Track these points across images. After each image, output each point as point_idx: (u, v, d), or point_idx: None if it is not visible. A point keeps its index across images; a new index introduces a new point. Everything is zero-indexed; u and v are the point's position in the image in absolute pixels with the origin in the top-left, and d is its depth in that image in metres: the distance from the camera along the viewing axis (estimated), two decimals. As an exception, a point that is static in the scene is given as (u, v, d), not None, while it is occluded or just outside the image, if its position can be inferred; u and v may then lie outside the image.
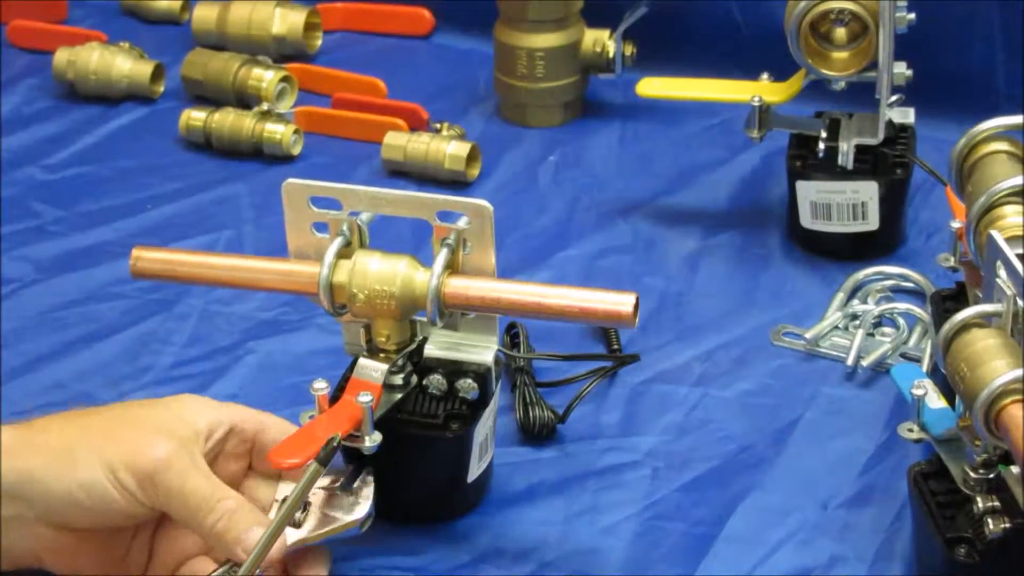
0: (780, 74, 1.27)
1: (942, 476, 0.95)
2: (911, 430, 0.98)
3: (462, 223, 0.97)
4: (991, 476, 0.93)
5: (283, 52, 1.55)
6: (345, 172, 1.40)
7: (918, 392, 0.97)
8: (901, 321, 1.19)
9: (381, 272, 0.97)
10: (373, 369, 0.99)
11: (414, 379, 1.01)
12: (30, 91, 1.53)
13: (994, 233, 0.93)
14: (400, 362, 0.99)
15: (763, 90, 1.27)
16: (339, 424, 0.95)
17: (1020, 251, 0.92)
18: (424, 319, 0.99)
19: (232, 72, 1.47)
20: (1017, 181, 0.99)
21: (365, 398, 0.95)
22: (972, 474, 0.93)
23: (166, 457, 0.93)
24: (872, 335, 1.18)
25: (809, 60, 1.23)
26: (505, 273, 1.26)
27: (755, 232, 1.31)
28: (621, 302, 0.96)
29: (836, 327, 1.20)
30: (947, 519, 0.94)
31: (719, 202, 1.35)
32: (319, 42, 1.57)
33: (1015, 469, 0.91)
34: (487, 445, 1.03)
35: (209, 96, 1.48)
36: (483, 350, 1.01)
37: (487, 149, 1.40)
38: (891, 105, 1.23)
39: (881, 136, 1.24)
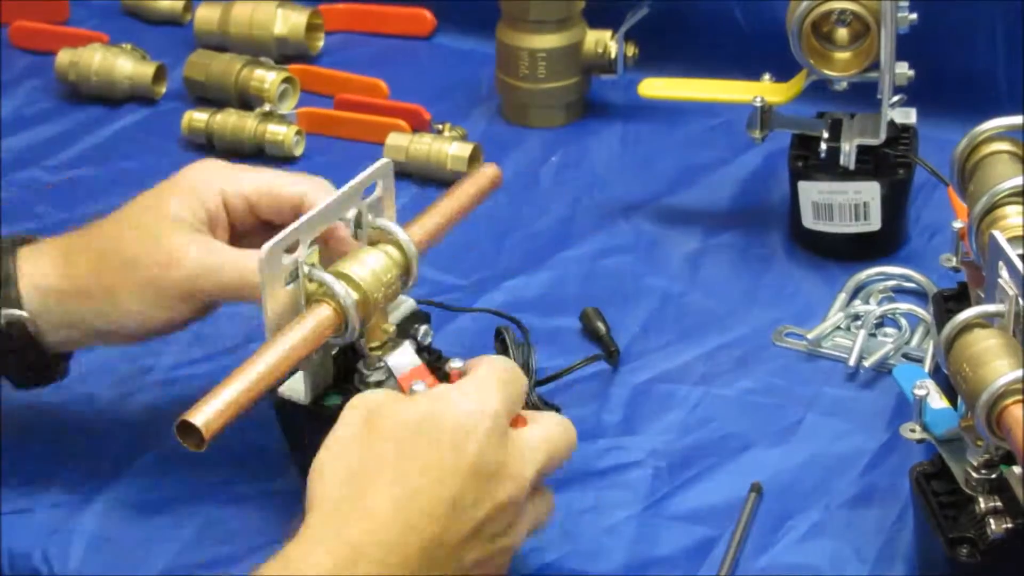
0: (782, 74, 1.27)
1: (944, 476, 0.95)
2: (913, 430, 0.98)
3: (377, 193, 1.01)
4: (993, 476, 0.93)
5: (285, 53, 1.55)
6: (347, 173, 1.38)
7: (920, 392, 0.97)
8: (903, 321, 1.19)
9: (380, 266, 0.98)
10: (404, 355, 1.00)
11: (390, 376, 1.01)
12: (32, 92, 1.53)
13: (996, 233, 0.93)
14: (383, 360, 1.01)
15: (765, 90, 1.27)
16: None
17: (1022, 251, 0.92)
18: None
19: (234, 73, 1.47)
20: (1019, 181, 0.99)
21: (419, 386, 0.96)
22: (974, 474, 0.93)
23: (193, 268, 0.98)
24: (874, 335, 1.18)
25: (811, 60, 1.23)
26: (507, 273, 1.27)
27: (757, 232, 1.31)
28: (488, 173, 1.05)
29: (838, 327, 1.20)
30: (949, 519, 0.94)
31: (721, 202, 1.35)
32: (321, 43, 1.57)
33: (1017, 469, 0.91)
34: None
35: (211, 97, 1.48)
36: (401, 305, 1.03)
37: (489, 150, 1.40)
38: (893, 105, 1.23)
39: (883, 136, 1.24)
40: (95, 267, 1.01)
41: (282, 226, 0.96)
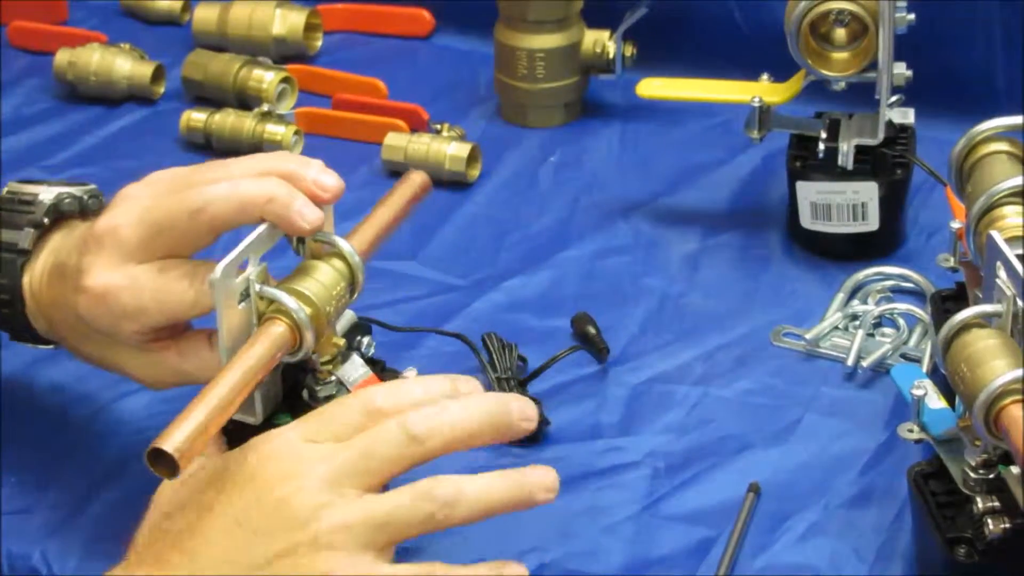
0: (780, 75, 1.27)
1: (942, 476, 0.95)
2: (911, 430, 0.98)
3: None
4: (991, 476, 0.93)
5: (283, 53, 1.55)
6: (345, 173, 1.38)
7: (918, 392, 0.97)
8: (901, 321, 1.19)
9: (328, 279, 0.97)
10: (355, 368, 1.00)
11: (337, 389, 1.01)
12: (30, 92, 1.53)
13: (994, 234, 0.93)
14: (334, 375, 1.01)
15: (763, 91, 1.27)
16: None
17: (1020, 251, 0.92)
18: None
19: (232, 73, 1.47)
20: (1017, 182, 1.00)
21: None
22: (972, 474, 0.93)
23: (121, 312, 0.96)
24: (872, 335, 1.18)
25: (809, 61, 1.23)
26: (506, 273, 1.27)
27: (755, 232, 1.31)
28: None
29: (836, 327, 1.20)
30: (947, 519, 0.94)
31: (719, 202, 1.35)
32: (319, 43, 1.57)
33: (1015, 469, 0.91)
34: None
35: (210, 97, 1.48)
36: (343, 318, 1.02)
37: (488, 150, 1.40)
38: (891, 105, 1.23)
39: (881, 136, 1.24)
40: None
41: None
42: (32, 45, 1.58)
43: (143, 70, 1.50)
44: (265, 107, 1.43)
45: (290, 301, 0.94)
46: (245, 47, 1.53)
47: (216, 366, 0.93)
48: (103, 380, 1.16)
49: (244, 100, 1.47)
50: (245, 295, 0.95)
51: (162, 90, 1.52)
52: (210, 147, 1.43)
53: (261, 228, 0.96)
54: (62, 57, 1.50)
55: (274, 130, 1.41)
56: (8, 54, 1.58)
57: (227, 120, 1.42)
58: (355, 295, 1.00)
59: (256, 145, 1.41)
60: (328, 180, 0.98)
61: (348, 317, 1.03)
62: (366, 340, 1.03)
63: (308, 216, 0.95)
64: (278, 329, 0.94)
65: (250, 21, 1.55)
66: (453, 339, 1.18)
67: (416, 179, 1.06)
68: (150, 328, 0.97)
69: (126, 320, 0.96)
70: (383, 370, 1.04)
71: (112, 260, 0.96)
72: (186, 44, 1.56)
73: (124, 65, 1.50)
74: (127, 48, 1.52)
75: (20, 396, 1.14)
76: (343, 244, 0.98)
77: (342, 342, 1.00)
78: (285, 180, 0.96)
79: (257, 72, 1.47)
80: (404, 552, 1.02)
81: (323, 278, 0.97)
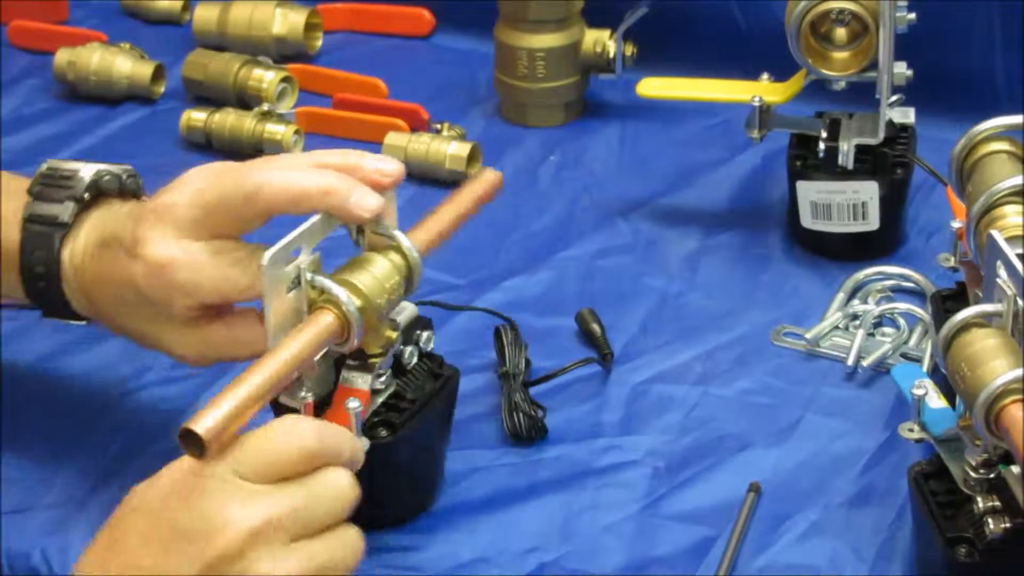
0: (780, 74, 1.27)
1: (942, 476, 0.95)
2: (911, 430, 0.98)
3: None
4: (991, 476, 0.93)
5: (284, 52, 1.55)
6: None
7: (918, 392, 0.97)
8: (901, 321, 1.19)
9: (383, 272, 0.97)
10: (358, 377, 1.00)
11: (392, 381, 1.01)
12: (30, 92, 1.53)
13: (994, 233, 0.93)
14: (383, 367, 1.00)
15: (763, 90, 1.27)
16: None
17: (1020, 251, 0.92)
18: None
19: (233, 73, 1.47)
20: (1017, 181, 1.00)
21: (353, 404, 0.95)
22: (972, 474, 0.93)
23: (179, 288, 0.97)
24: (872, 335, 1.18)
25: (809, 60, 1.23)
26: (506, 273, 1.27)
27: (755, 232, 1.31)
28: (491, 178, 1.04)
29: (836, 327, 1.20)
30: (947, 519, 0.94)
31: (719, 202, 1.35)
32: (319, 42, 1.57)
33: (1016, 469, 0.91)
34: None
35: (210, 96, 1.48)
36: (402, 311, 1.01)
37: (488, 149, 1.40)
38: (891, 105, 1.23)
39: (881, 136, 1.24)
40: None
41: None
42: (32, 45, 1.59)
43: (143, 70, 1.50)
44: (265, 107, 1.43)
45: (340, 292, 0.94)
46: (245, 47, 1.53)
47: (262, 344, 0.94)
48: (103, 379, 1.16)
49: (244, 100, 1.47)
50: (296, 283, 0.95)
51: (162, 90, 1.52)
52: (210, 147, 1.43)
53: (315, 217, 0.96)
54: (62, 57, 1.50)
55: (274, 130, 1.41)
56: (8, 54, 1.58)
57: (227, 120, 1.42)
58: (411, 290, 1.00)
59: (256, 145, 1.41)
60: (388, 166, 0.98)
61: (409, 311, 1.02)
62: (425, 335, 1.03)
63: (367, 203, 0.96)
64: (326, 319, 0.94)
65: (250, 21, 1.55)
66: (474, 320, 1.20)
67: (490, 177, 1.05)
68: (201, 304, 0.98)
69: (180, 294, 0.97)
70: (440, 365, 1.03)
71: (169, 234, 0.97)
72: (186, 44, 1.56)
73: (124, 65, 1.50)
74: (127, 48, 1.52)
75: (20, 395, 1.14)
76: (401, 238, 0.98)
77: (395, 335, 1.00)
78: (343, 172, 0.97)
79: (257, 72, 1.47)
80: (404, 551, 1.02)
81: (377, 271, 0.97)
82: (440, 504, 1.06)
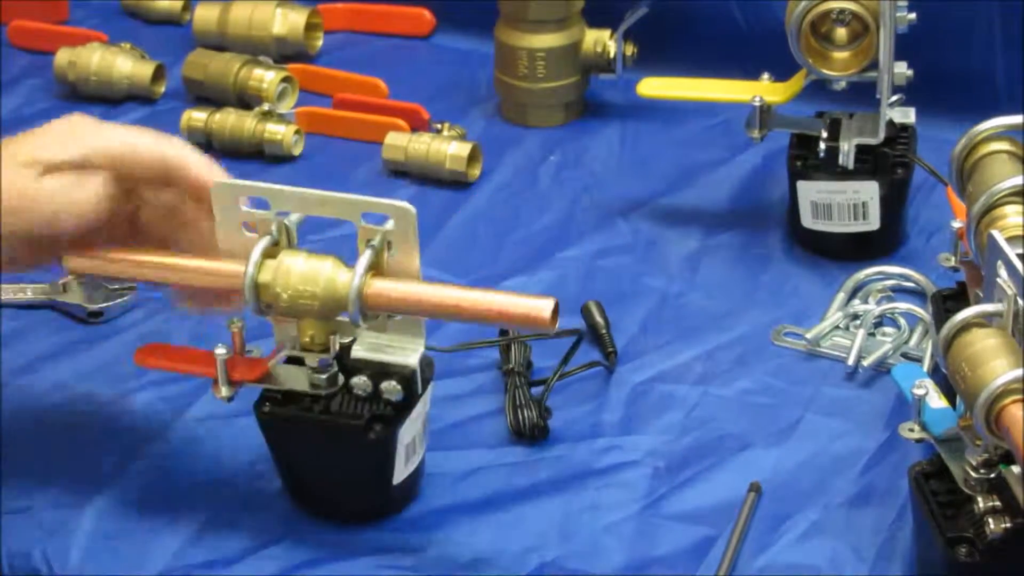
0: (781, 74, 1.27)
1: (943, 476, 0.95)
2: (912, 430, 0.98)
3: (388, 225, 0.97)
4: (992, 476, 0.93)
5: (284, 52, 1.55)
6: (346, 172, 1.40)
7: (919, 392, 0.97)
8: (902, 321, 1.19)
9: (305, 272, 0.97)
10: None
11: (340, 379, 1.01)
12: (31, 92, 1.53)
13: (995, 233, 0.93)
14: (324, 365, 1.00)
15: (764, 90, 1.27)
16: (204, 366, 1.01)
17: (1020, 251, 0.92)
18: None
19: (233, 73, 1.47)
20: (1017, 181, 0.99)
21: (221, 351, 0.99)
22: (973, 474, 0.93)
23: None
24: (873, 335, 1.18)
25: (810, 60, 1.23)
26: (506, 273, 1.27)
27: (756, 232, 1.31)
28: (538, 307, 0.95)
29: (837, 327, 1.20)
30: (948, 519, 0.94)
31: (720, 202, 1.35)
32: (320, 43, 1.57)
33: (1016, 469, 0.91)
34: (415, 447, 1.03)
35: (210, 96, 1.48)
36: (410, 352, 1.00)
37: (488, 149, 1.40)
38: (892, 105, 1.23)
39: (882, 136, 1.24)
40: None
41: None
42: (33, 45, 1.58)
43: (143, 70, 1.50)
44: (266, 107, 1.43)
45: (251, 262, 0.97)
46: (246, 47, 1.53)
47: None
48: (104, 380, 1.16)
49: (245, 100, 1.47)
50: (250, 228, 0.99)
51: (162, 90, 1.52)
52: (211, 147, 1.42)
53: (297, 189, 0.98)
54: (63, 57, 1.50)
55: (275, 130, 1.41)
56: (8, 54, 1.58)
57: (227, 120, 1.42)
58: (355, 326, 0.98)
59: (257, 145, 1.41)
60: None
61: (415, 357, 1.00)
62: (391, 384, 0.99)
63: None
64: (231, 268, 0.99)
65: (250, 21, 1.55)
66: (467, 324, 1.17)
67: (530, 311, 0.97)
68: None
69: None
70: (387, 424, 1.00)
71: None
72: (186, 44, 1.56)
73: (125, 65, 1.50)
74: (128, 48, 1.52)
75: (20, 395, 1.14)
76: (355, 270, 0.97)
77: (328, 344, 0.99)
78: None
79: (258, 72, 1.47)
80: (404, 551, 1.02)
81: (304, 268, 0.98)
82: (440, 504, 1.06)
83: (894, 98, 1.23)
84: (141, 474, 1.08)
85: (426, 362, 1.01)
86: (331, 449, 1.01)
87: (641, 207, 1.35)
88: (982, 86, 1.40)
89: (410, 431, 1.01)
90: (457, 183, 1.38)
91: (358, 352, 1.01)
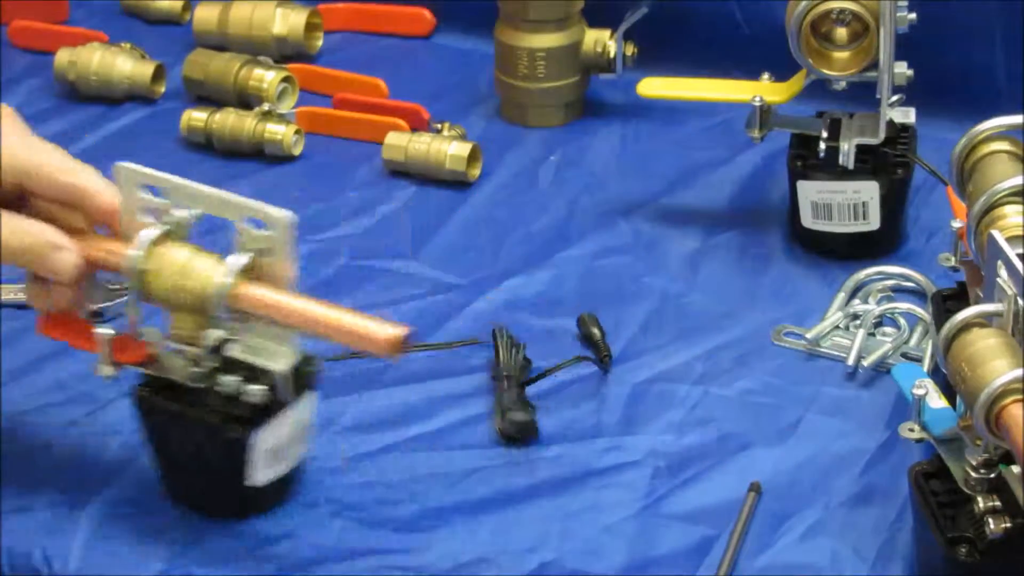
0: (781, 74, 1.27)
1: (943, 476, 0.95)
2: (912, 430, 0.98)
3: (266, 231, 0.98)
4: (992, 476, 0.93)
5: (284, 52, 1.54)
6: (346, 172, 1.40)
7: (919, 392, 0.97)
8: (902, 321, 1.19)
9: (184, 265, 0.99)
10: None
11: (217, 376, 1.01)
12: (31, 92, 1.53)
13: (995, 233, 0.93)
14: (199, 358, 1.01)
15: (764, 90, 1.27)
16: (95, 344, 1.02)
17: (1021, 251, 0.92)
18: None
19: (233, 72, 1.47)
20: (1018, 181, 1.00)
21: (106, 330, 1.02)
22: (973, 474, 0.93)
23: None
24: (873, 335, 1.18)
25: (810, 60, 1.23)
26: (506, 273, 1.27)
27: (756, 232, 1.31)
28: (376, 332, 0.95)
29: (837, 327, 1.20)
30: (948, 519, 0.94)
31: (720, 202, 1.35)
32: (320, 42, 1.57)
33: (1016, 469, 0.91)
34: (284, 453, 1.02)
35: (210, 96, 1.48)
36: (282, 359, 1.00)
37: (488, 149, 1.40)
38: (892, 105, 1.23)
39: (882, 136, 1.24)
40: None
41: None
42: (33, 44, 1.58)
43: (144, 70, 1.50)
44: (266, 106, 1.43)
45: (135, 248, 0.99)
46: (246, 46, 1.53)
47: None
48: (103, 380, 1.16)
49: (245, 100, 1.47)
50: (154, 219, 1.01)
51: (163, 90, 1.52)
52: (211, 146, 1.42)
53: (202, 187, 0.99)
54: (63, 57, 1.50)
55: (275, 129, 1.41)
56: (9, 54, 1.58)
57: (228, 120, 1.42)
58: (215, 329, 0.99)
59: (257, 145, 1.41)
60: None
61: (285, 361, 1.00)
62: (252, 388, 0.99)
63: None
64: (116, 248, 1.01)
65: (251, 20, 1.55)
66: (473, 321, 1.20)
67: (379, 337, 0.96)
68: None
69: None
70: (244, 425, 1.00)
71: None
72: (186, 44, 1.56)
73: (125, 65, 1.50)
74: (128, 48, 1.52)
75: (20, 395, 1.14)
76: (227, 266, 0.98)
77: (210, 338, 1.00)
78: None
79: (258, 71, 1.47)
80: (404, 551, 1.02)
81: (185, 262, 0.99)
82: (440, 504, 1.06)
83: (894, 98, 1.23)
84: (141, 474, 1.08)
85: (308, 371, 1.01)
86: (190, 442, 1.02)
87: (641, 207, 1.35)
88: (982, 86, 1.40)
89: (274, 437, 1.00)
90: (457, 183, 1.38)
91: (235, 352, 1.01)
